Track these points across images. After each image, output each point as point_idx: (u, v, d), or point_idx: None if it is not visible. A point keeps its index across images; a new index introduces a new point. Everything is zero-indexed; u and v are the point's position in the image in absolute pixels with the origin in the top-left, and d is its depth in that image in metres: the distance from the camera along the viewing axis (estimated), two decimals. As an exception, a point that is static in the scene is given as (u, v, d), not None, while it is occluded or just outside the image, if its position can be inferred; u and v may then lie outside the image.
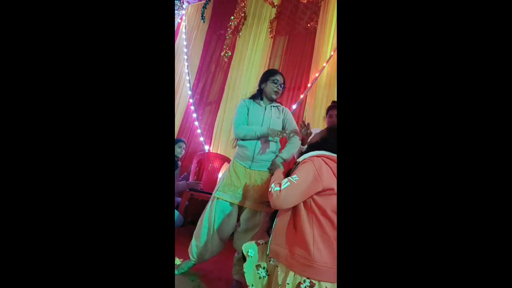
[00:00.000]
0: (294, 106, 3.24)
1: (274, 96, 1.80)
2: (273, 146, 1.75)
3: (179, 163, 2.76)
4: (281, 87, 1.79)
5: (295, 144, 1.78)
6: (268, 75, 1.82)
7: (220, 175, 3.22)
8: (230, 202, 1.70)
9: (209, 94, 3.88)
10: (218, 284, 1.73)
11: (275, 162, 1.70)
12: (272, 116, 1.77)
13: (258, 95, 1.85)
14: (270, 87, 1.79)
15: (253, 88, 3.48)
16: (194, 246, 1.73)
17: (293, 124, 1.84)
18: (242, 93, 3.41)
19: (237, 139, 1.79)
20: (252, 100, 1.82)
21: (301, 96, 3.21)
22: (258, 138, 1.70)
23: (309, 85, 3.18)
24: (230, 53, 3.72)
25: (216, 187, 1.77)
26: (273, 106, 1.83)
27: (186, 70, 4.10)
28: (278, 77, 1.80)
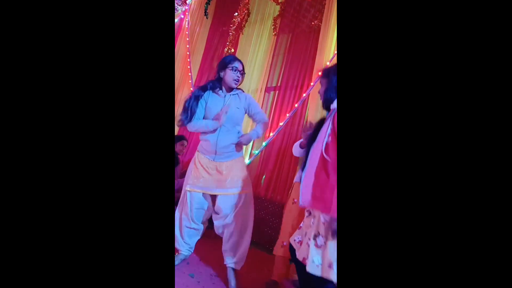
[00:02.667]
0: (296, 105, 3.18)
1: (234, 85, 1.73)
2: (234, 137, 1.74)
3: (179, 158, 2.76)
4: (241, 74, 1.73)
5: (258, 131, 1.79)
6: (226, 62, 1.73)
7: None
8: (202, 193, 1.75)
9: None
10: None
11: (244, 137, 1.76)
12: (232, 107, 1.71)
13: (218, 85, 1.76)
14: (229, 75, 1.71)
15: (256, 85, 3.52)
16: (180, 238, 1.83)
17: (258, 109, 1.80)
18: (244, 90, 3.31)
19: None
20: (210, 90, 1.74)
21: (304, 95, 3.16)
22: (214, 131, 1.70)
23: (312, 83, 3.12)
24: (232, 50, 3.67)
25: (185, 181, 1.80)
26: (233, 95, 1.77)
27: (188, 67, 4.06)
28: (237, 64, 1.73)
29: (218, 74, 1.76)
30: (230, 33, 3.73)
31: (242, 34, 3.68)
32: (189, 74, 4.04)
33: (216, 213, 1.75)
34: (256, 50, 3.50)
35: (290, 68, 3.28)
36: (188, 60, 4.10)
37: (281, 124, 3.06)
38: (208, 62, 4.00)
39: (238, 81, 1.75)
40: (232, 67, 1.71)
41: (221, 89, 1.76)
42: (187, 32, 4.23)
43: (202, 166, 1.74)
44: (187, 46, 4.17)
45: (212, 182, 1.71)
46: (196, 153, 1.81)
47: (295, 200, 1.76)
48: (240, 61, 1.78)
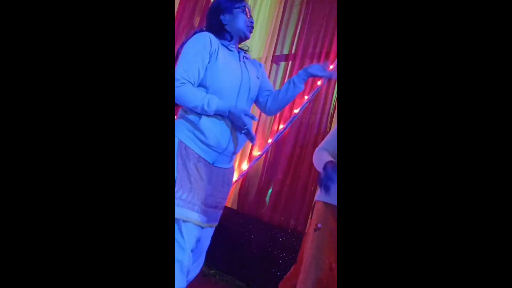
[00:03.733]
0: (319, 83, 2.43)
1: (249, 35, 1.34)
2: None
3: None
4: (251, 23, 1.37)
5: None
6: (232, 1, 1.32)
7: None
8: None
9: None
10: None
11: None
12: (251, 75, 1.31)
13: (225, 34, 1.30)
14: (242, 20, 1.30)
15: (257, 53, 2.68)
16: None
17: (269, 83, 1.46)
18: None
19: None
20: (218, 39, 1.27)
21: (331, 66, 2.38)
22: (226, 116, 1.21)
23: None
24: None
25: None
26: (244, 57, 1.36)
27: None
28: (247, 4, 1.36)
29: (216, 20, 1.31)
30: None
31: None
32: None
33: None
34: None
35: (309, 27, 2.58)
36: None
37: (295, 111, 2.42)
38: (186, 17, 3.22)
39: (251, 31, 1.34)
40: (243, 7, 1.30)
41: (228, 41, 1.32)
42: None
43: (201, 174, 1.21)
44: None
45: (213, 207, 1.29)
46: (183, 147, 1.21)
47: (319, 225, 1.50)
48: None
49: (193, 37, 1.21)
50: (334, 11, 2.46)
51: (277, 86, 2.65)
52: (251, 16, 1.33)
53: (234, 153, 1.28)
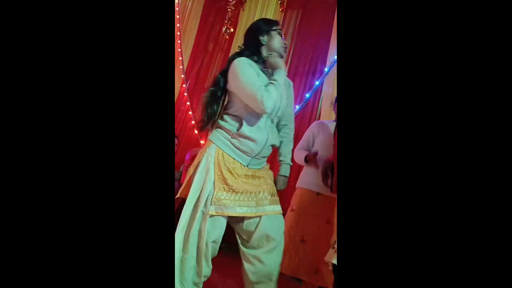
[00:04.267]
0: (307, 95, 2.86)
1: (284, 55, 1.36)
2: (276, 136, 1.39)
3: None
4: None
5: (290, 136, 1.46)
6: (270, 24, 1.37)
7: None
8: (227, 217, 1.28)
9: (206, 78, 3.49)
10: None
11: (281, 179, 1.43)
12: (282, 98, 1.30)
13: (259, 57, 1.32)
14: (278, 41, 1.33)
15: None
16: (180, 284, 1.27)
17: (291, 108, 1.48)
18: None
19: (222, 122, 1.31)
20: (255, 62, 1.29)
21: (317, 82, 2.83)
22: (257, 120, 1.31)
23: (326, 69, 2.80)
24: (232, 30, 3.43)
25: (193, 195, 1.26)
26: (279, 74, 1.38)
27: (179, 50, 3.64)
28: (280, 27, 1.40)
29: (256, 40, 1.33)
30: (228, 9, 3.46)
31: (243, 10, 3.43)
32: (180, 58, 3.65)
33: (249, 241, 1.32)
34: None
35: (300, 50, 3.04)
36: (179, 41, 3.70)
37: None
38: (202, 44, 3.63)
39: (286, 51, 1.39)
40: (279, 30, 1.36)
41: (263, 63, 1.33)
42: (177, 9, 3.79)
43: (232, 174, 1.26)
44: (177, 25, 3.74)
45: (250, 199, 1.29)
46: (215, 152, 1.27)
47: (294, 207, 1.70)
48: None
49: (236, 65, 1.24)
50: (324, 36, 2.83)
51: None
52: (284, 38, 1.40)
53: (264, 156, 1.35)
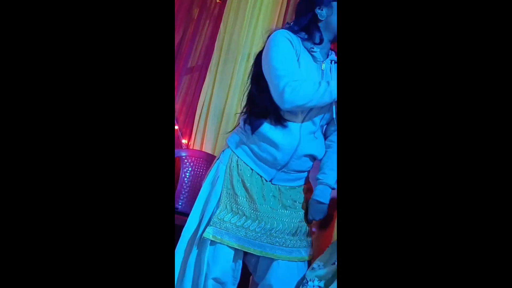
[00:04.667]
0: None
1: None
2: (316, 145, 1.14)
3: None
4: None
5: (334, 151, 1.16)
6: None
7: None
8: (235, 249, 1.08)
9: (190, 56, 3.00)
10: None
11: (314, 205, 1.12)
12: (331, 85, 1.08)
13: (309, 32, 1.09)
14: (334, 19, 1.10)
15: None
16: None
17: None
18: (242, 56, 2.67)
19: (247, 120, 1.11)
20: (299, 38, 1.09)
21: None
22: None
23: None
24: None
25: (194, 214, 1.12)
26: (333, 61, 1.15)
27: None
28: None
29: (311, 14, 1.09)
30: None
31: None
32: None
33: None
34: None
35: None
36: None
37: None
38: (184, 9, 3.02)
39: None
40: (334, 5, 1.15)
41: (315, 42, 1.10)
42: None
43: (247, 190, 1.07)
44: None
45: (263, 230, 1.08)
46: (229, 158, 1.12)
47: None
48: None
49: (272, 38, 1.05)
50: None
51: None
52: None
53: (297, 171, 1.12)
